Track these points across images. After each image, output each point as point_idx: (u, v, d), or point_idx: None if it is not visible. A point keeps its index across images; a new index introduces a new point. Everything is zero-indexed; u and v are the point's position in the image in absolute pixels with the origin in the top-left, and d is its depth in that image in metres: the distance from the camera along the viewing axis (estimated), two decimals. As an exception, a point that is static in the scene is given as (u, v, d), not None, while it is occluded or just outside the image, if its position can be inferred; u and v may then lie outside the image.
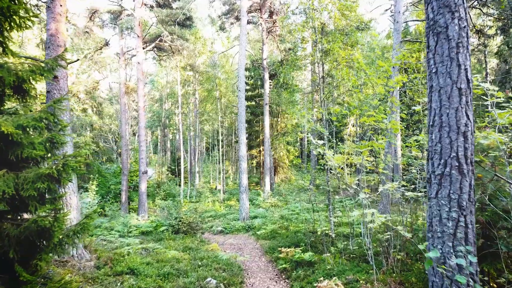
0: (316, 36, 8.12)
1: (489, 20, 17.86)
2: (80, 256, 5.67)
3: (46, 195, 4.26)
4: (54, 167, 3.61)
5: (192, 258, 6.37)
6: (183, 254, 6.72)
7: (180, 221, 9.33)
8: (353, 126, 28.25)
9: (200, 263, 5.95)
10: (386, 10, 15.99)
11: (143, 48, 15.65)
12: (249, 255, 7.40)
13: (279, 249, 7.03)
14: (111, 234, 9.65)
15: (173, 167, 31.84)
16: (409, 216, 5.80)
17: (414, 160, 5.68)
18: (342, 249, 5.99)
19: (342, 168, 4.58)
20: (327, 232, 5.94)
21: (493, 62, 26.62)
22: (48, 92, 5.60)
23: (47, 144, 4.16)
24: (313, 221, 9.08)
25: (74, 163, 4.00)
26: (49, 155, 4.29)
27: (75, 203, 5.67)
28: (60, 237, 4.02)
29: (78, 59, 6.50)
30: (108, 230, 10.24)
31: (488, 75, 23.12)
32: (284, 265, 6.11)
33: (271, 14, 20.03)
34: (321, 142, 4.42)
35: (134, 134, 35.24)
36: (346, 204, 9.45)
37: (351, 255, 6.27)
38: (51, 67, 4.21)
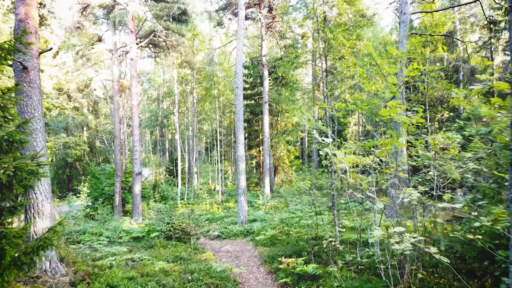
0: (318, 25, 7.46)
1: (497, 14, 17.23)
2: (54, 270, 5.01)
3: (7, 203, 3.63)
4: (2, 171, 2.97)
5: (183, 271, 5.71)
6: (173, 265, 6.06)
7: (172, 226, 8.67)
8: (355, 125, 27.57)
9: (190, 277, 5.29)
10: (391, 3, 15.31)
11: (137, 44, 14.99)
12: (246, 266, 6.75)
13: (279, 259, 6.38)
14: (99, 241, 8.99)
15: (171, 168, 31.18)
16: (424, 223, 5.15)
17: (432, 162, 5.02)
18: (350, 260, 5.33)
19: (353, 172, 3.94)
20: (332, 241, 5.30)
21: (497, 59, 25.95)
22: (16, 85, 4.94)
23: (4, 144, 3.51)
24: (316, 226, 8.43)
25: (32, 167, 3.34)
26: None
27: (48, 210, 5.02)
28: (16, 255, 3.38)
29: (51, 48, 5.83)
30: (97, 236, 9.60)
31: (495, 72, 22.44)
32: (284, 279, 5.46)
33: (270, 9, 19.35)
34: (328, 140, 3.77)
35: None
36: (351, 207, 8.81)
37: (359, 267, 5.63)
38: (7, 53, 3.57)
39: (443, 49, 15.93)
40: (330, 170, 6.46)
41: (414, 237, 2.45)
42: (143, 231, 10.19)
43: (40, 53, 5.15)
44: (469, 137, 4.52)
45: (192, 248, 8.01)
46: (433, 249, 2.49)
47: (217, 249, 8.66)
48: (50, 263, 5.00)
